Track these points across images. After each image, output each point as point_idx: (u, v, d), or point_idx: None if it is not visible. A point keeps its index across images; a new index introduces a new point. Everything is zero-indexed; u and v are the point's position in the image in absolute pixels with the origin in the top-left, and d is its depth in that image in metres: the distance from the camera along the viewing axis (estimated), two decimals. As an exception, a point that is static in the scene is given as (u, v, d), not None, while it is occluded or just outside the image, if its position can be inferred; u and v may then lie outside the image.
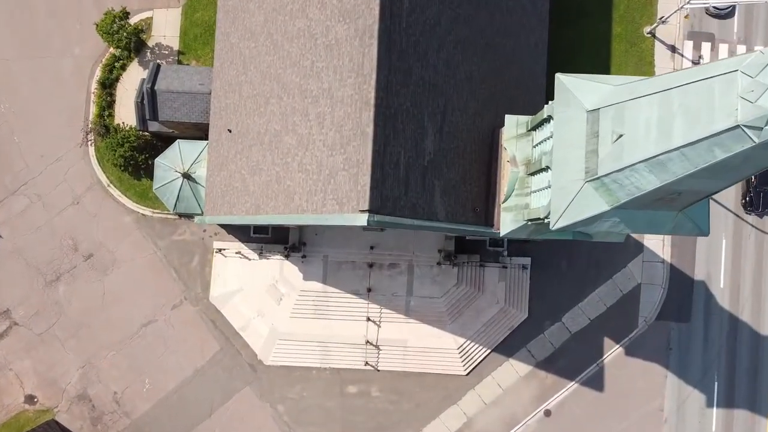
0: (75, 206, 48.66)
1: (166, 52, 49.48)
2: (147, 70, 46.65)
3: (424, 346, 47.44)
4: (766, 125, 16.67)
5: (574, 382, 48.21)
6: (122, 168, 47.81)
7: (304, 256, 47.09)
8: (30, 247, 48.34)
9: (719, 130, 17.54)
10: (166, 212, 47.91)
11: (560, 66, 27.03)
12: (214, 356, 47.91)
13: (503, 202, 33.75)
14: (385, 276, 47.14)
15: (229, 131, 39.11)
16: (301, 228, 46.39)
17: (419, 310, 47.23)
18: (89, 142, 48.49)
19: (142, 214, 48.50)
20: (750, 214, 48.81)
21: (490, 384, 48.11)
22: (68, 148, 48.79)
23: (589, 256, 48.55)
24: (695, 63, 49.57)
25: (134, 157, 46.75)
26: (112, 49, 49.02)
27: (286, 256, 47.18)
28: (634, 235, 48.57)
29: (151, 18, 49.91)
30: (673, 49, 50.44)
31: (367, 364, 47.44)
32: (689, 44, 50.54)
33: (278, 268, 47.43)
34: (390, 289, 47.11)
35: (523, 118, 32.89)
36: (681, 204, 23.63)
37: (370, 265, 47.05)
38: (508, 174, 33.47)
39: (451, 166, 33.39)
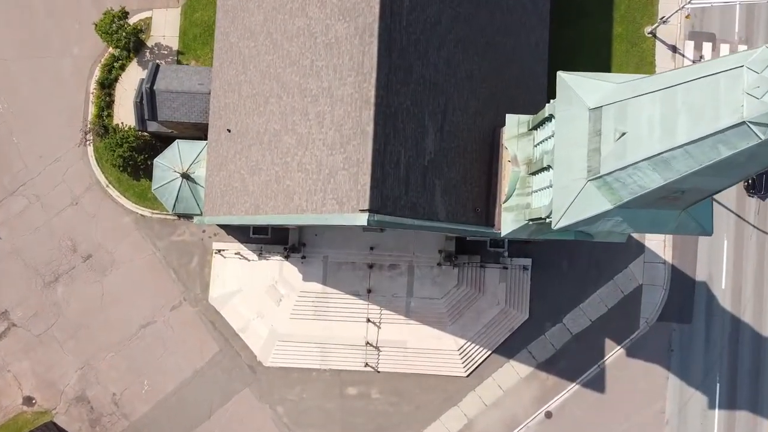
0: (74, 207, 48.45)
1: (166, 52, 49.29)
2: (146, 70, 46.44)
3: (425, 347, 47.21)
4: (772, 122, 16.49)
5: (575, 384, 47.97)
6: (121, 168, 47.63)
7: (303, 257, 46.87)
8: (28, 247, 48.11)
9: (724, 126, 17.32)
10: (165, 213, 47.70)
11: (561, 66, 26.84)
12: (213, 357, 47.66)
13: (504, 202, 33.52)
14: (385, 277, 46.91)
15: (229, 131, 38.90)
16: (300, 228, 46.18)
17: (419, 311, 47.00)
18: (88, 142, 48.28)
19: (141, 215, 48.28)
20: (753, 196, 48.46)
21: (490, 385, 47.87)
22: (67, 148, 48.59)
23: (590, 256, 48.34)
24: (696, 63, 49.37)
25: (133, 157, 46.56)
26: (111, 49, 48.84)
27: (286, 257, 46.96)
28: (635, 236, 48.37)
29: (151, 18, 49.75)
30: (674, 49, 50.28)
31: (367, 365, 47.20)
32: (690, 44, 50.37)
33: (278, 268, 47.21)
34: (390, 290, 46.89)
35: (524, 117, 32.68)
36: (684, 203, 23.39)
37: (370, 266, 46.83)
38: (509, 174, 33.24)
39: (451, 165, 33.17)
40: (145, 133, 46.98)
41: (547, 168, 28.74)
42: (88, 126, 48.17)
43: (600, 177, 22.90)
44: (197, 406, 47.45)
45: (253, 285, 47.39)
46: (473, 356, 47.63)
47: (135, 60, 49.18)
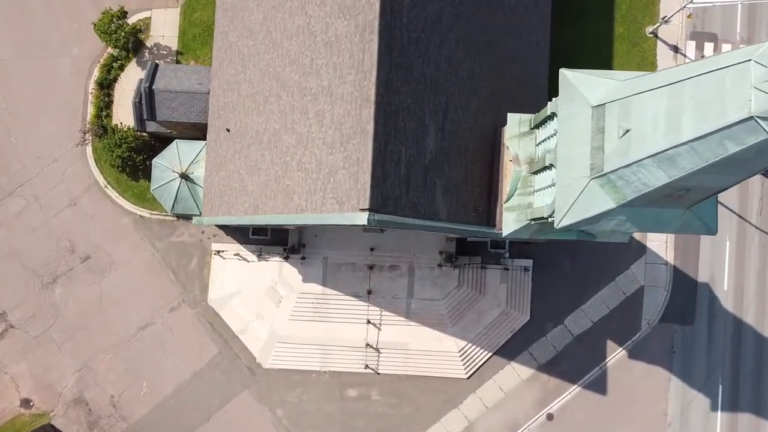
0: (72, 207, 48.17)
1: (165, 52, 49.06)
2: (145, 70, 46.20)
3: (425, 349, 46.90)
4: (781, 116, 16.23)
5: (576, 386, 47.66)
6: (120, 169, 47.37)
7: (303, 258, 46.58)
8: (26, 248, 47.83)
9: (731, 122, 17.04)
10: (164, 213, 47.43)
11: (561, 65, 26.51)
12: (212, 359, 47.35)
13: (506, 202, 33.27)
14: (385, 278, 46.63)
15: (228, 131, 38.65)
16: (300, 229, 45.91)
17: (420, 313, 46.71)
18: (86, 143, 48.04)
19: (140, 216, 48.01)
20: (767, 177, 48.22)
21: (491, 387, 47.55)
22: (65, 149, 48.33)
23: (591, 257, 48.05)
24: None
25: (132, 157, 46.30)
26: (110, 49, 48.61)
27: (286, 258, 46.67)
28: (637, 237, 48.14)
29: (150, 18, 49.51)
30: (675, 49, 50.07)
31: (367, 367, 46.90)
32: (692, 44, 50.15)
33: (277, 270, 46.92)
34: (390, 292, 46.61)
35: (526, 116, 32.44)
36: (689, 201, 23.13)
37: (371, 267, 46.55)
38: (510, 173, 32.98)
39: (452, 165, 32.90)
40: (144, 134, 46.74)
41: (550, 167, 28.49)
42: (87, 126, 47.92)
43: (603, 175, 22.63)
44: (196, 408, 47.12)
45: (252, 286, 47.10)
46: (474, 358, 47.34)
47: (134, 60, 48.94)
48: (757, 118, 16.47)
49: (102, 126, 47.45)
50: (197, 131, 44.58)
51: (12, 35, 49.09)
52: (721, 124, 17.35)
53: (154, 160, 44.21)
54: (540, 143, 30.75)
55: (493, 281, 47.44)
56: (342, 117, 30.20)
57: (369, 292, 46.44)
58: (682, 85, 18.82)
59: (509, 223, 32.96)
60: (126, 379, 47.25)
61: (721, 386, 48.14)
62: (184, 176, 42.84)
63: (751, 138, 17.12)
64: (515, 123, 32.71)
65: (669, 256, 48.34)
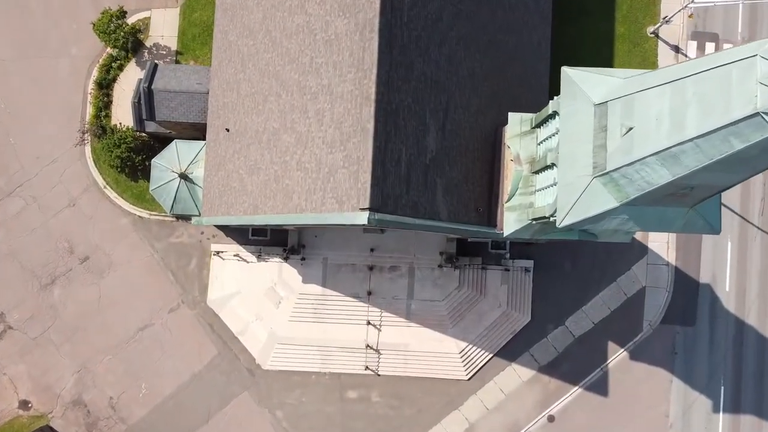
0: (71, 208, 47.96)
1: (164, 53, 48.88)
2: (144, 70, 46.01)
3: (425, 350, 46.66)
4: (788, 112, 16.01)
5: (577, 387, 47.41)
6: (119, 169, 47.18)
7: (303, 259, 46.35)
8: (25, 249, 47.61)
9: (737, 118, 16.81)
10: (163, 214, 47.21)
11: (562, 65, 26.30)
12: (211, 361, 47.10)
13: (507, 202, 33.04)
14: (385, 279, 46.41)
15: (227, 130, 38.45)
16: (300, 230, 45.69)
17: (420, 314, 46.47)
18: (85, 143, 47.84)
19: (139, 216, 47.79)
20: None
21: (492, 389, 47.31)
22: (64, 149, 48.13)
23: (592, 258, 47.83)
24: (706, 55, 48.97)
25: (131, 158, 46.11)
26: (109, 49, 48.45)
27: (285, 259, 46.44)
28: (638, 238, 47.92)
29: (149, 18, 49.36)
30: (676, 49, 49.90)
31: (367, 368, 46.66)
32: (693, 44, 49.98)
33: (277, 270, 46.69)
34: (390, 292, 46.38)
35: (527, 116, 32.22)
36: (692, 200, 22.91)
37: (371, 268, 46.32)
38: (511, 173, 32.76)
39: (453, 164, 32.68)
40: (143, 134, 46.54)
41: (551, 166, 28.27)
42: (86, 126, 47.72)
43: (606, 173, 22.41)
44: (195, 410, 46.86)
45: (251, 287, 46.87)
46: (475, 359, 47.10)
47: (133, 60, 48.78)
48: (763, 114, 16.26)
49: (101, 126, 47.26)
50: (196, 131, 44.38)
51: (11, 35, 48.93)
52: (727, 120, 17.13)
53: (153, 160, 44.02)
54: (541, 142, 30.53)
55: (494, 282, 47.21)
56: (342, 116, 29.99)
57: (369, 293, 46.21)
58: (686, 82, 18.61)
59: (510, 223, 32.74)
60: (125, 380, 47.01)
61: (723, 387, 47.90)
62: (183, 176, 42.64)
63: (756, 135, 16.90)
64: (516, 122, 32.50)
65: (670, 257, 48.13)
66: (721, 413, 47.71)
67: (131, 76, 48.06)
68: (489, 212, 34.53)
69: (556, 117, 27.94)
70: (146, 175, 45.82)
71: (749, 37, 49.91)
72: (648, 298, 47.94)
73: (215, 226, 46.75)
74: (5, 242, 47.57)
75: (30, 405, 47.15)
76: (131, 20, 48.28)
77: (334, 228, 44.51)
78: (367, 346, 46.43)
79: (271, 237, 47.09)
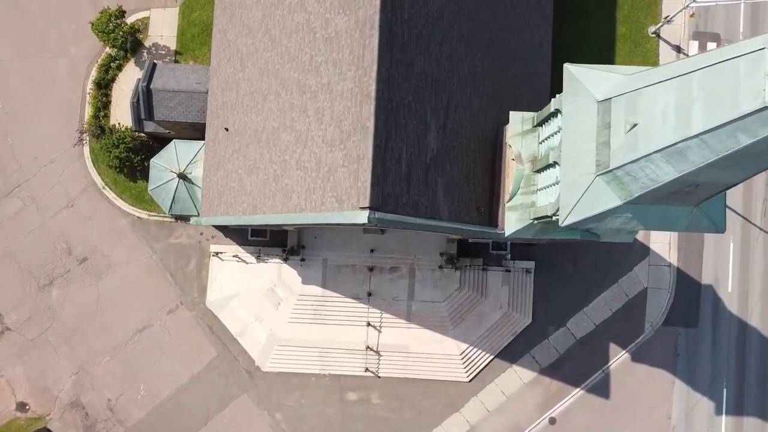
0: (69, 209, 47.69)
1: (163, 52, 48.65)
2: (143, 70, 45.77)
3: (426, 351, 46.36)
4: (798, 105, 15.73)
5: (579, 389, 47.08)
6: (117, 170, 46.92)
7: (302, 260, 46.05)
8: (23, 250, 47.33)
9: (745, 113, 16.51)
10: (162, 215, 46.93)
11: (563, 65, 26.10)
12: (210, 362, 46.79)
13: (508, 201, 32.74)
14: (385, 280, 46.11)
15: (226, 130, 38.17)
16: (299, 230, 45.39)
17: (421, 315, 46.17)
18: (84, 143, 47.57)
19: (138, 217, 47.51)
20: None
21: (493, 391, 46.99)
22: (63, 149, 47.88)
23: (594, 259, 47.54)
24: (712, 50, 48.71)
25: (130, 158, 45.85)
26: (108, 49, 48.23)
27: (285, 260, 46.14)
28: (640, 238, 47.64)
29: (148, 18, 49.15)
30: (678, 49, 49.68)
31: (367, 370, 46.33)
32: (695, 44, 49.75)
33: (276, 271, 46.39)
34: (391, 294, 46.08)
35: (529, 115, 31.94)
36: (697, 198, 22.61)
37: (371, 269, 46.03)
38: (512, 172, 32.46)
39: (454, 163, 32.39)
40: (142, 134, 46.28)
41: (553, 164, 27.98)
42: (84, 126, 47.45)
43: (609, 171, 22.11)
44: (194, 412, 46.53)
45: (251, 288, 46.57)
46: (475, 361, 46.79)
47: (132, 60, 48.55)
48: (771, 109, 16.01)
49: (99, 126, 47.03)
50: (196, 131, 44.11)
51: (10, 35, 48.72)
52: (734, 115, 16.83)
53: (151, 160, 43.75)
54: (543, 141, 30.25)
55: (495, 283, 46.92)
56: (342, 114, 29.71)
57: (369, 294, 45.91)
58: (692, 77, 18.31)
59: (512, 222, 32.43)
60: (123, 382, 46.69)
61: (725, 389, 47.56)
62: (182, 176, 42.36)
63: (764, 130, 16.59)
64: (518, 121, 32.22)
65: (672, 258, 47.83)
66: (723, 415, 47.38)
67: (130, 76, 47.82)
68: (490, 212, 34.24)
69: (559, 115, 27.67)
70: (145, 176, 45.59)
71: (751, 36, 49.53)
72: (650, 299, 47.64)
73: (214, 226, 46.48)
74: (3, 243, 47.32)
75: (28, 407, 46.81)
76: (130, 20, 48.09)
77: (334, 228, 44.23)
78: (367, 347, 46.12)
79: (271, 238, 46.80)
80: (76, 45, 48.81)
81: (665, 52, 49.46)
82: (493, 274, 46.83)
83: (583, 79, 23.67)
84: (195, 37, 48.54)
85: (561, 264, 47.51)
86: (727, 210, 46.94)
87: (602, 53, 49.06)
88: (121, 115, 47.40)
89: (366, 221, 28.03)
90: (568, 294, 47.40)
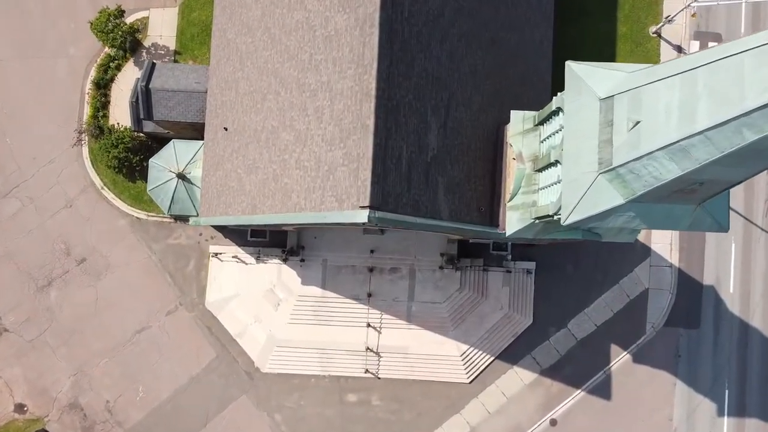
0: (68, 209, 47.47)
1: (163, 52, 48.46)
2: (142, 70, 45.57)
3: (426, 353, 46.11)
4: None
5: (580, 391, 46.83)
6: (116, 170, 46.71)
7: (302, 260, 45.82)
8: (21, 251, 47.11)
9: (751, 108, 16.29)
10: (161, 215, 46.71)
11: (564, 65, 25.89)
12: (209, 364, 46.54)
13: (509, 201, 32.52)
14: (385, 280, 45.88)
15: (225, 129, 37.95)
16: (299, 231, 45.16)
17: (421, 316, 45.93)
18: (82, 143, 47.37)
19: (137, 218, 47.30)
20: None
21: (494, 392, 46.74)
22: (62, 150, 47.69)
23: (595, 260, 47.33)
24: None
25: (129, 158, 45.65)
26: (107, 49, 48.06)
27: (284, 260, 45.90)
28: (641, 239, 47.43)
29: (147, 17, 48.98)
30: (679, 49, 49.51)
31: (367, 371, 46.08)
32: (696, 44, 49.58)
33: (276, 272, 46.15)
34: (391, 294, 45.84)
35: (530, 113, 31.73)
36: (700, 197, 22.39)
37: (371, 270, 45.80)
38: (513, 171, 32.25)
39: (455, 163, 32.17)
40: (141, 134, 46.08)
41: (555, 163, 27.76)
42: (83, 126, 47.24)
43: (612, 169, 21.89)
44: (193, 413, 46.28)
45: (250, 289, 46.34)
46: (476, 362, 46.54)
47: (131, 60, 48.38)
48: (777, 103, 15.79)
49: (98, 126, 46.83)
50: (195, 131, 43.91)
51: (9, 35, 48.57)
52: (739, 111, 16.61)
53: (150, 160, 43.54)
54: (545, 140, 30.03)
55: (496, 284, 46.69)
56: (342, 112, 29.49)
57: (369, 295, 45.67)
58: (696, 73, 18.09)
59: (513, 222, 32.21)
60: (122, 383, 46.43)
61: (727, 391, 47.32)
62: (181, 176, 42.13)
63: (770, 125, 16.43)
64: (519, 120, 32.01)
65: (674, 259, 47.61)
66: (725, 417, 47.12)
67: (129, 76, 47.65)
68: (491, 212, 34.01)
69: (560, 113, 27.47)
70: (144, 176, 45.39)
71: (752, 36, 49.41)
72: (651, 300, 47.42)
73: (213, 227, 46.27)
74: (1, 244, 47.14)
75: (26, 408, 46.55)
76: (129, 20, 47.93)
77: (333, 229, 44.01)
78: (367, 348, 45.88)
79: (270, 238, 46.58)
80: (75, 45, 48.65)
81: (666, 52, 49.29)
82: (493, 274, 46.61)
83: (586, 77, 23.46)
84: (194, 37, 48.37)
85: (562, 265, 47.29)
86: (729, 210, 46.97)
87: (603, 53, 48.88)
88: (120, 115, 47.21)
89: (366, 220, 27.80)
90: (569, 295, 47.18)
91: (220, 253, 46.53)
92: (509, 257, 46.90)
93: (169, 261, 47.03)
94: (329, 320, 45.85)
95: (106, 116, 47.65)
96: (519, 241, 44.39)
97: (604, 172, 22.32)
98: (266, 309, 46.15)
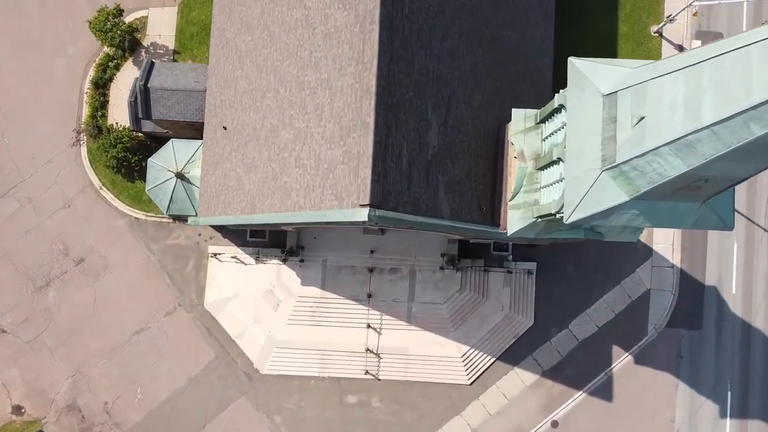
0: (66, 209, 47.19)
1: (162, 52, 48.22)
2: (141, 69, 45.31)
3: (427, 354, 45.82)
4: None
5: (581, 392, 46.53)
6: (115, 170, 46.44)
7: (302, 261, 45.53)
8: (19, 251, 46.82)
9: (758, 101, 15.99)
10: (160, 216, 46.43)
11: (564, 64, 25.67)
12: (208, 365, 46.23)
13: (510, 200, 32.23)
14: (386, 281, 45.58)
15: (224, 128, 37.69)
16: (299, 231, 44.88)
17: (421, 317, 45.65)
18: (81, 143, 47.10)
19: (136, 218, 47.02)
20: None
21: (494, 394, 46.45)
22: (60, 149, 47.42)
23: (596, 260, 47.07)
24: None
25: (127, 158, 45.38)
26: (105, 49, 47.82)
27: (284, 261, 45.61)
28: (643, 239, 47.18)
29: (146, 17, 48.74)
30: (680, 48, 49.32)
31: (367, 373, 45.77)
32: (697, 43, 49.37)
33: (275, 273, 45.86)
34: (391, 295, 45.55)
35: (531, 111, 31.43)
36: (705, 194, 22.09)
37: (371, 270, 45.51)
38: (515, 170, 31.97)
39: (455, 161, 31.89)
40: (140, 134, 45.82)
41: (557, 161, 27.47)
42: (81, 126, 46.98)
43: (616, 166, 21.60)
44: (192, 414, 45.96)
45: (249, 290, 46.05)
46: (477, 363, 46.25)
47: (130, 60, 48.14)
48: (786, 97, 15.49)
49: (97, 126, 46.57)
50: (194, 131, 43.63)
51: (7, 34, 48.33)
52: (747, 104, 16.32)
53: (149, 159, 43.27)
54: (547, 138, 29.74)
55: (496, 284, 46.41)
56: (341, 110, 29.22)
57: (369, 296, 45.38)
58: (702, 66, 17.81)
59: (514, 221, 31.92)
60: (120, 384, 46.12)
61: (729, 392, 47.03)
62: (180, 176, 41.85)
63: (778, 119, 16.15)
64: (520, 118, 31.72)
65: (675, 259, 47.34)
66: (728, 418, 46.82)
67: (128, 76, 47.39)
68: (492, 211, 33.73)
69: (563, 111, 27.20)
70: (143, 176, 45.10)
71: (754, 36, 49.21)
72: (653, 301, 47.15)
73: (212, 227, 46.00)
74: (-1, 244, 46.86)
75: (23, 410, 46.23)
76: (128, 19, 47.71)
77: (333, 229, 43.73)
78: (367, 349, 45.58)
79: (270, 238, 46.31)
80: (74, 44, 48.40)
81: (667, 51, 49.13)
82: (494, 275, 46.33)
83: (589, 73, 23.21)
84: (193, 36, 48.14)
85: (563, 265, 47.03)
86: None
87: (604, 53, 48.62)
88: (119, 114, 46.96)
89: (366, 219, 27.52)
90: (571, 295, 46.92)
91: (219, 254, 46.25)
92: (510, 258, 46.64)
93: (168, 261, 46.74)
94: (329, 321, 45.56)
95: (104, 116, 47.39)
96: (520, 241, 44.10)
97: (608, 169, 22.04)
98: (265, 310, 45.86)
